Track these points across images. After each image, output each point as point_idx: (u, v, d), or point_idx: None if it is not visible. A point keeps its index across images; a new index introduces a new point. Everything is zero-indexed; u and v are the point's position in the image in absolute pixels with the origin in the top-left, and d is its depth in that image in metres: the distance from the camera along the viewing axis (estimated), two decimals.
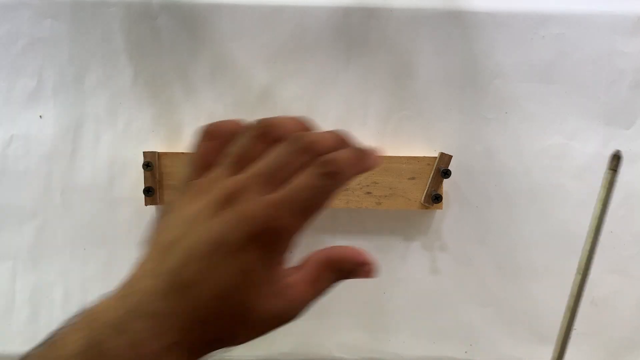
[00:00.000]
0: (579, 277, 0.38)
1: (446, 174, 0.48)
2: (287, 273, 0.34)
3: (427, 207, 0.50)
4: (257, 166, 0.35)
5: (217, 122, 0.39)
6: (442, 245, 0.53)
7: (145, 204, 0.50)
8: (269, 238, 0.32)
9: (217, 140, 0.38)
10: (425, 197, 0.49)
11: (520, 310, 0.53)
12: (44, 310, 0.54)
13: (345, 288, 0.54)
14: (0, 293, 0.54)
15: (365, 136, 0.54)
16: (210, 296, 0.31)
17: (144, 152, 0.50)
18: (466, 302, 0.53)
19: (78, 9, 0.54)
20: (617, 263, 0.53)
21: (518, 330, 0.53)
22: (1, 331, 0.54)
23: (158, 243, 0.34)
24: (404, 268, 0.53)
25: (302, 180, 0.34)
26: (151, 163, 0.49)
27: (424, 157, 0.49)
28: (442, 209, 0.51)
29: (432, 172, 0.49)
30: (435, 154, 0.50)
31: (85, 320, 0.31)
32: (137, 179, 0.54)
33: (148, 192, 0.50)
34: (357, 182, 0.51)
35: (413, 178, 0.49)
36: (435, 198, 0.48)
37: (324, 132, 0.38)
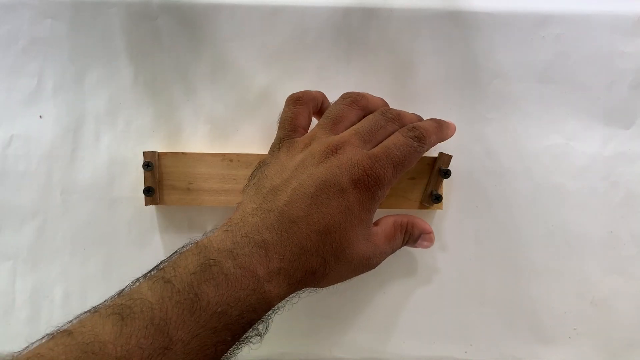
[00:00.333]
0: None
1: (446, 174, 0.47)
2: (372, 224, 0.40)
3: (427, 208, 0.50)
4: (356, 126, 0.41)
5: (303, 91, 0.45)
6: (442, 245, 0.53)
7: (146, 204, 0.50)
8: (369, 183, 0.36)
9: (305, 106, 0.44)
10: (424, 197, 0.49)
11: (520, 310, 0.53)
12: (44, 310, 0.54)
13: (346, 288, 0.54)
14: (0, 293, 0.54)
15: None
16: (314, 230, 0.35)
17: (144, 152, 0.50)
18: (466, 302, 0.53)
19: (78, 9, 0.54)
20: (617, 263, 0.53)
21: (518, 330, 0.53)
22: (1, 331, 0.54)
23: (262, 187, 0.38)
24: (404, 268, 0.53)
25: (396, 139, 0.40)
26: (151, 163, 0.49)
27: (424, 157, 0.49)
28: (442, 209, 0.51)
29: (432, 172, 0.49)
30: (435, 154, 0.50)
31: (198, 248, 0.35)
32: (137, 179, 0.54)
33: (148, 192, 0.50)
34: None
35: (413, 178, 0.49)
36: (435, 198, 0.47)
37: (405, 113, 0.45)
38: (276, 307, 0.36)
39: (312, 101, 0.45)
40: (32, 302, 0.54)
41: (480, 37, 0.54)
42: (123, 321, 0.31)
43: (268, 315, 0.35)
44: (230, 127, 0.54)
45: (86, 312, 0.33)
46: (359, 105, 0.43)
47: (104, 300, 0.34)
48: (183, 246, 0.36)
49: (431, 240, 0.46)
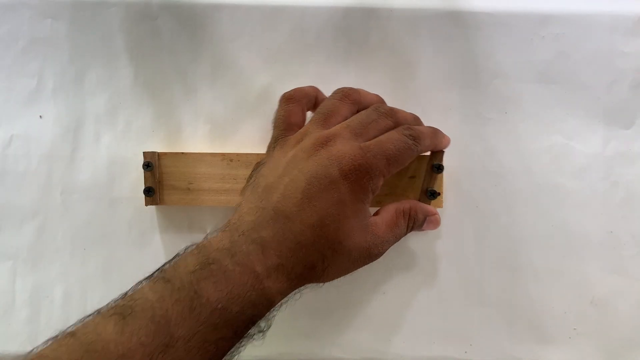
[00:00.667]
0: None
1: (439, 168, 0.46)
2: (370, 214, 0.39)
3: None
4: (347, 120, 0.40)
5: (295, 88, 0.45)
6: (442, 245, 0.53)
7: (146, 204, 0.50)
8: (360, 174, 0.36)
9: (297, 103, 0.44)
10: (421, 195, 0.48)
11: (520, 310, 0.53)
12: (44, 310, 0.54)
13: (346, 288, 0.54)
14: (0, 293, 0.54)
15: None
16: (308, 224, 0.35)
17: (144, 152, 0.50)
18: (466, 302, 0.53)
19: (78, 9, 0.54)
20: (617, 263, 0.53)
21: (518, 330, 0.53)
22: (1, 331, 0.54)
23: (258, 186, 0.38)
24: (403, 268, 0.53)
25: (390, 134, 0.39)
26: (151, 163, 0.49)
27: (424, 156, 0.49)
28: (442, 207, 0.51)
29: (425, 168, 0.48)
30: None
31: (198, 248, 0.35)
32: (137, 179, 0.54)
33: (148, 192, 0.50)
34: None
35: (413, 177, 0.49)
36: (431, 194, 0.47)
37: (401, 111, 0.45)
38: (279, 303, 0.36)
39: (305, 98, 0.44)
40: (32, 302, 0.54)
41: (480, 37, 0.54)
42: (124, 320, 0.31)
43: (270, 312, 0.36)
44: (230, 127, 0.54)
45: (89, 315, 0.34)
46: (351, 100, 0.43)
47: (104, 300, 0.35)
48: (185, 248, 0.36)
49: (437, 222, 0.46)
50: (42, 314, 0.54)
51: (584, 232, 0.53)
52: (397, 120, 0.42)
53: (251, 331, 0.35)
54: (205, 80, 0.54)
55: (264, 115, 0.54)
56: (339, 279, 0.40)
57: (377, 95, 0.47)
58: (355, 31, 0.54)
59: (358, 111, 0.43)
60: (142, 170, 0.51)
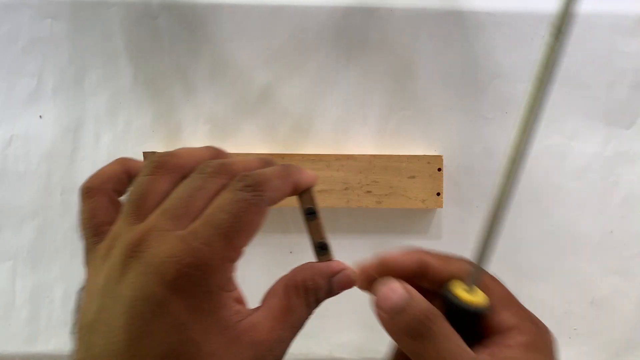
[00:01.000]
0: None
1: (312, 214, 0.33)
2: (245, 313, 0.29)
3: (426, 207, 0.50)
4: (164, 203, 0.29)
5: (93, 174, 0.33)
6: (442, 244, 0.53)
7: None
8: (192, 279, 0.26)
9: (98, 195, 0.32)
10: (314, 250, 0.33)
11: None
12: (44, 310, 0.54)
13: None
14: (0, 293, 0.54)
15: (365, 136, 0.54)
16: None
17: (143, 152, 0.50)
18: None
19: (78, 9, 0.54)
20: (618, 263, 0.53)
21: None
22: (1, 331, 0.53)
23: (81, 327, 0.29)
24: None
25: (221, 199, 0.29)
26: None
27: (424, 156, 0.49)
28: (442, 207, 0.51)
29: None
30: (436, 153, 0.50)
31: None
32: None
33: None
34: (358, 182, 0.51)
35: (413, 177, 0.49)
36: (320, 247, 0.33)
37: (240, 158, 0.33)
38: None
39: (108, 182, 0.33)
40: (32, 302, 0.54)
41: (480, 37, 0.53)
42: None
43: None
44: (230, 127, 0.54)
45: None
46: (168, 169, 0.31)
47: None
48: None
49: (349, 280, 0.33)
50: (42, 314, 0.54)
51: (584, 232, 0.53)
52: (232, 174, 0.30)
53: None
54: (205, 80, 0.54)
55: (264, 115, 0.54)
56: None
57: (208, 148, 0.33)
58: (355, 31, 0.54)
59: (183, 179, 0.31)
60: None
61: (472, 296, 0.29)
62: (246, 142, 0.54)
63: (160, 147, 0.54)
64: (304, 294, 0.31)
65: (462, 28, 0.54)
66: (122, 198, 0.33)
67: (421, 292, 0.31)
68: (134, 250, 0.28)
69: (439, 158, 0.51)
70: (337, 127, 0.54)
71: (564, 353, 0.53)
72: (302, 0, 0.53)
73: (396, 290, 0.31)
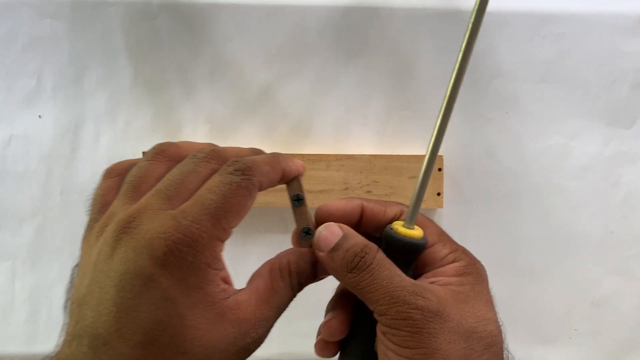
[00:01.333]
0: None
1: (298, 200, 0.34)
2: (231, 292, 0.29)
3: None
4: (157, 184, 0.31)
5: (120, 161, 0.35)
6: None
7: None
8: (180, 255, 0.27)
9: (117, 177, 0.34)
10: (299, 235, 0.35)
11: (520, 310, 0.53)
12: (44, 310, 0.54)
13: None
14: (0, 293, 0.54)
15: (365, 136, 0.54)
16: (134, 344, 0.27)
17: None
18: None
19: (78, 8, 0.54)
20: (618, 263, 0.53)
21: (518, 330, 0.53)
22: (0, 331, 0.53)
23: (73, 302, 0.30)
24: None
25: (210, 182, 0.30)
26: None
27: (424, 156, 0.49)
28: (442, 207, 0.51)
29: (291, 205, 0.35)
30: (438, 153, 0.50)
31: None
32: None
33: None
34: (358, 182, 0.51)
35: (413, 177, 0.49)
36: (305, 233, 0.34)
37: (232, 146, 0.34)
38: None
39: (128, 170, 0.34)
40: (32, 302, 0.54)
41: (480, 37, 0.53)
42: None
43: None
44: (229, 126, 0.54)
45: None
46: (167, 156, 0.33)
47: None
48: None
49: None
50: (42, 314, 0.54)
51: (584, 232, 0.53)
52: (223, 159, 0.32)
53: None
54: (205, 80, 0.54)
55: (264, 115, 0.53)
56: None
57: (209, 144, 0.36)
58: (355, 31, 0.54)
59: None
60: None
61: (410, 232, 0.31)
62: (246, 141, 0.54)
63: None
64: (288, 276, 0.32)
65: (462, 28, 0.53)
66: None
67: (365, 237, 0.32)
68: (126, 227, 0.28)
69: (439, 158, 0.51)
70: (337, 127, 0.54)
71: (565, 353, 0.53)
72: (302, 0, 0.53)
73: (334, 231, 0.32)
